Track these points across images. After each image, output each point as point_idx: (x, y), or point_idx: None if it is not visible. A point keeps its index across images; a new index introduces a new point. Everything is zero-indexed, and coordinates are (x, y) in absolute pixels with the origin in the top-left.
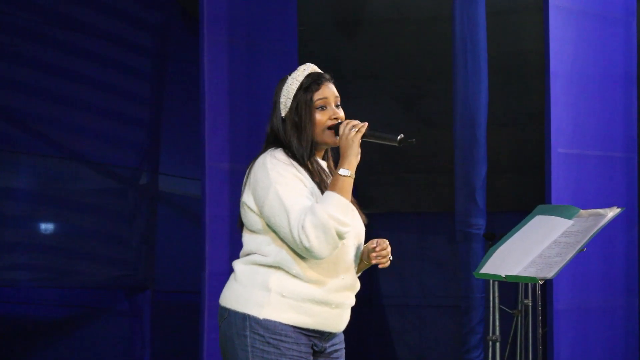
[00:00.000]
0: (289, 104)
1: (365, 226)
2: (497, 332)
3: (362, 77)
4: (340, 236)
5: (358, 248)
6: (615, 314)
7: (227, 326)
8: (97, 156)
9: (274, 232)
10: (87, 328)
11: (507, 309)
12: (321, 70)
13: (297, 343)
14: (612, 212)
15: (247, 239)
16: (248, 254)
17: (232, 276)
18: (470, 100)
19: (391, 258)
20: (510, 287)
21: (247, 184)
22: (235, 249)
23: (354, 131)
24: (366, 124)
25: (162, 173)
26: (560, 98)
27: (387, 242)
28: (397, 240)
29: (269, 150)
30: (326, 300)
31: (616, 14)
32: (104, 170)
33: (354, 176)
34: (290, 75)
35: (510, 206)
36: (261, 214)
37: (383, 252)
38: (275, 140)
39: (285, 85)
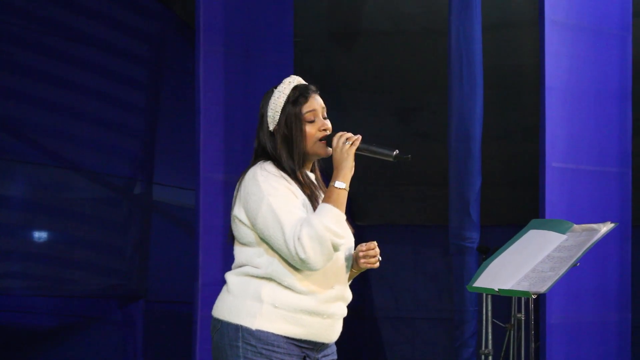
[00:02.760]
0: (277, 117)
1: (354, 237)
2: (490, 346)
3: (358, 89)
4: (335, 248)
5: (348, 259)
6: (608, 329)
7: (219, 337)
8: (92, 165)
9: (266, 244)
10: (79, 337)
11: (500, 323)
12: (313, 82)
13: (289, 354)
14: (605, 227)
15: (239, 251)
16: (240, 266)
17: (224, 288)
18: (466, 114)
19: (380, 259)
20: (503, 300)
21: (238, 197)
22: (228, 259)
23: (348, 144)
24: (360, 137)
25: (157, 183)
26: (555, 112)
27: (375, 243)
28: (390, 252)
29: (259, 163)
30: (318, 311)
31: (611, 29)
32: (98, 179)
33: (348, 189)
34: (276, 88)
35: (504, 220)
36: (254, 227)
37: (370, 252)
38: (264, 153)
39: (272, 98)
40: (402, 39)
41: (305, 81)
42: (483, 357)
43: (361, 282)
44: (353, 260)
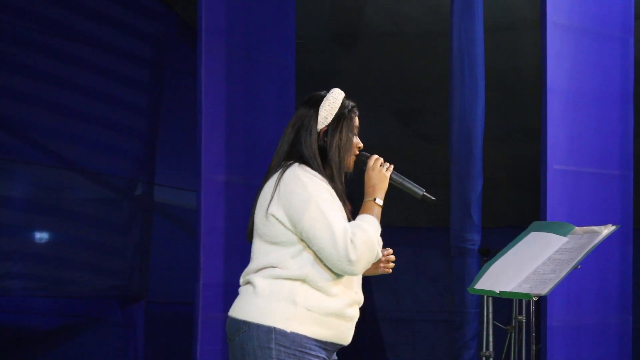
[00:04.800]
0: (329, 119)
1: None
2: (491, 348)
3: (359, 91)
4: (375, 259)
5: None
6: (609, 332)
7: (246, 339)
8: (93, 166)
9: (305, 243)
10: (80, 338)
11: (501, 325)
12: (314, 83)
13: (318, 356)
14: (607, 230)
15: (267, 250)
16: (265, 267)
17: (249, 290)
18: (467, 116)
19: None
20: (504, 302)
21: (276, 196)
22: (229, 260)
23: (385, 168)
24: (392, 166)
25: (158, 184)
26: (556, 114)
27: (391, 250)
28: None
29: (296, 164)
30: (344, 314)
31: (613, 32)
32: (99, 180)
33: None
34: (327, 92)
35: (505, 222)
36: (295, 226)
37: (390, 257)
38: (300, 156)
39: (327, 100)
40: (403, 40)
41: (307, 82)
42: (484, 359)
43: (362, 284)
44: None
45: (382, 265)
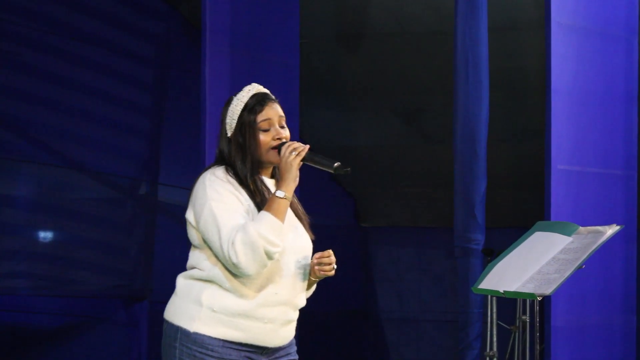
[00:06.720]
0: (234, 125)
1: (314, 242)
2: (495, 348)
3: (363, 91)
4: (269, 256)
5: (302, 265)
6: (613, 332)
7: (164, 337)
8: (97, 165)
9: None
10: (84, 337)
11: (504, 325)
12: (319, 83)
13: (223, 358)
14: (611, 230)
15: (191, 253)
16: (189, 268)
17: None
18: (471, 116)
19: (335, 267)
20: (508, 302)
21: (190, 200)
22: None
23: (294, 154)
24: (307, 147)
25: (162, 183)
26: (560, 115)
27: (330, 251)
28: (395, 254)
29: (211, 168)
30: (256, 315)
31: (618, 32)
32: (103, 179)
33: (290, 199)
34: (235, 95)
35: (509, 222)
36: (197, 229)
37: (324, 259)
38: (222, 159)
39: (231, 106)
40: (407, 40)
41: (311, 82)
42: (488, 359)
43: (365, 284)
44: (311, 268)
45: (316, 267)
